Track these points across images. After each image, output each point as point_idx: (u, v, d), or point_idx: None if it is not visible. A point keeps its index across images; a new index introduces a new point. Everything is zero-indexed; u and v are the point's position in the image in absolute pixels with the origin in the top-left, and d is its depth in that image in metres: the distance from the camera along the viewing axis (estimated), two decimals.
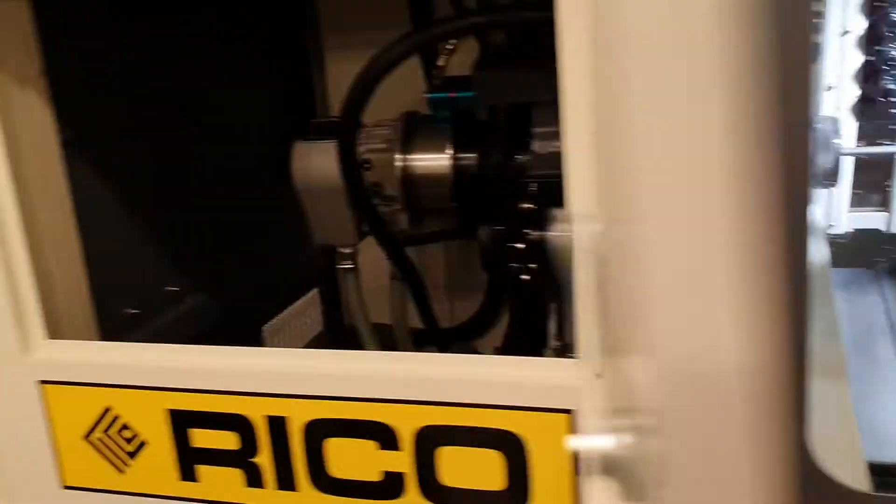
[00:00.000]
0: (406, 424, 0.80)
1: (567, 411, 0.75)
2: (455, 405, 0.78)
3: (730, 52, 0.40)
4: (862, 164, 1.85)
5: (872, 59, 1.77)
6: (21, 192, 0.91)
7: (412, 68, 1.27)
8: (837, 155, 1.48)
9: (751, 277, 0.41)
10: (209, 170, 1.34)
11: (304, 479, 0.84)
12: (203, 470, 0.87)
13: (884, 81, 1.77)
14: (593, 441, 0.63)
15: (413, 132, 1.25)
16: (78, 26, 1.07)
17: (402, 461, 0.81)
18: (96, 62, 1.10)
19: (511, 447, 0.77)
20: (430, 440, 0.80)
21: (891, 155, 1.81)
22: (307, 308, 1.63)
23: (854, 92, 1.79)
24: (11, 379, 0.91)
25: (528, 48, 1.22)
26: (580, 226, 0.72)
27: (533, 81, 1.15)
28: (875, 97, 1.78)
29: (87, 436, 0.90)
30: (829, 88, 1.79)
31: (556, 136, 1.17)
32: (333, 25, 1.63)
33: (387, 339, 1.47)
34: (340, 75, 1.65)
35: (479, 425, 0.78)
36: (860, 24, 1.76)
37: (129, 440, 0.89)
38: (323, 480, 0.84)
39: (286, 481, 0.85)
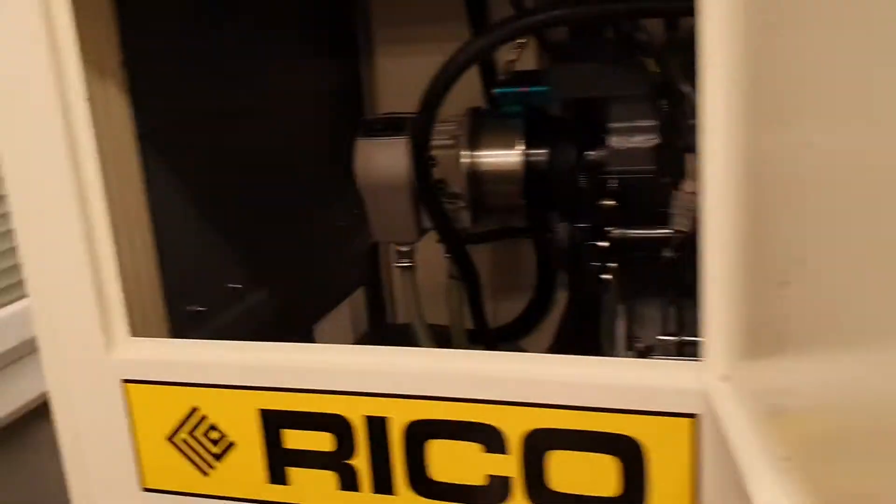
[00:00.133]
0: (514, 427, 0.77)
1: (691, 416, 0.72)
2: (568, 408, 0.75)
3: None
4: None
5: None
6: (104, 180, 0.88)
7: None
8: None
9: None
10: (268, 164, 1.31)
11: (403, 482, 0.81)
12: (294, 472, 0.85)
13: None
14: None
15: (479, 128, 1.22)
16: (153, 16, 1.04)
17: (509, 465, 0.78)
18: (167, 53, 1.07)
19: (627, 452, 0.75)
20: (539, 444, 0.77)
21: None
22: (354, 307, 1.61)
23: None
24: (94, 378, 0.88)
25: (599, 42, 1.20)
26: (715, 216, 0.69)
27: (611, 76, 1.13)
28: None
29: (172, 437, 0.88)
30: None
31: (635, 131, 1.16)
32: (384, 19, 1.60)
33: (441, 341, 1.45)
34: (390, 70, 1.63)
35: (593, 429, 0.75)
36: None
37: (216, 441, 0.86)
38: (423, 484, 0.81)
39: (383, 484, 0.82)
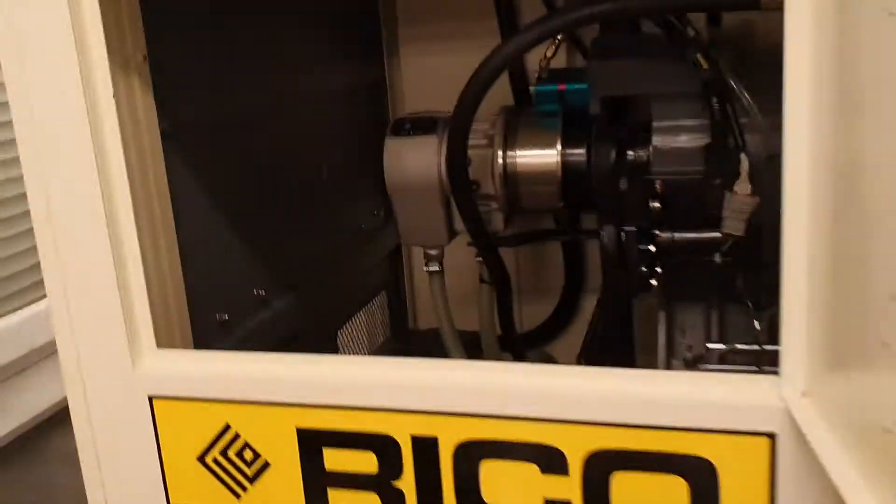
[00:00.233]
0: (575, 447, 0.72)
1: (769, 435, 0.67)
2: (634, 427, 0.70)
3: None
4: None
5: None
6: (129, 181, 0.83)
7: None
8: None
9: None
10: (291, 165, 1.26)
11: None
12: (334, 495, 0.79)
13: None
14: None
15: (515, 127, 1.17)
16: (178, 11, 0.99)
17: (568, 487, 0.73)
18: (191, 50, 1.02)
19: (699, 474, 0.69)
20: (602, 465, 0.72)
21: None
22: (377, 312, 1.55)
23: None
24: (119, 394, 0.82)
25: (640, 38, 1.15)
26: (798, 222, 0.64)
27: (654, 72, 1.08)
28: None
29: (202, 457, 0.82)
30: None
31: (680, 130, 1.11)
32: (409, 17, 1.55)
33: (468, 347, 1.40)
34: (415, 68, 1.57)
35: (661, 449, 0.70)
36: None
37: (250, 462, 0.81)
38: None
39: None
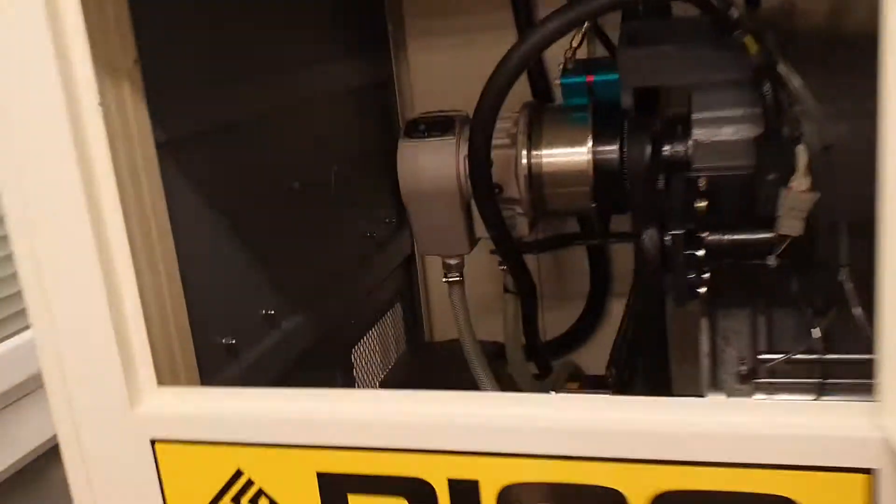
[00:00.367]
0: (640, 488, 0.63)
1: (865, 471, 0.58)
2: (707, 465, 0.61)
3: None
4: None
5: None
6: (120, 199, 0.74)
7: None
8: None
9: None
10: (298, 174, 1.17)
11: None
12: None
13: None
14: None
15: (540, 125, 1.08)
16: (171, 11, 0.90)
17: None
18: (187, 53, 0.93)
19: None
20: None
21: None
22: (392, 325, 1.46)
23: None
24: (117, 437, 0.73)
25: (675, 23, 1.06)
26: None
27: (691, 59, 0.99)
28: None
29: None
30: None
31: (723, 122, 1.02)
32: (416, 10, 1.46)
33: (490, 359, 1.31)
34: (424, 64, 1.48)
35: (740, 489, 0.61)
36: None
37: None
38: None
39: None
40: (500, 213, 1.06)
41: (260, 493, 0.71)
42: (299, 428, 0.70)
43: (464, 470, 0.66)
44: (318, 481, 0.70)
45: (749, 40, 0.88)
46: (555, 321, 1.56)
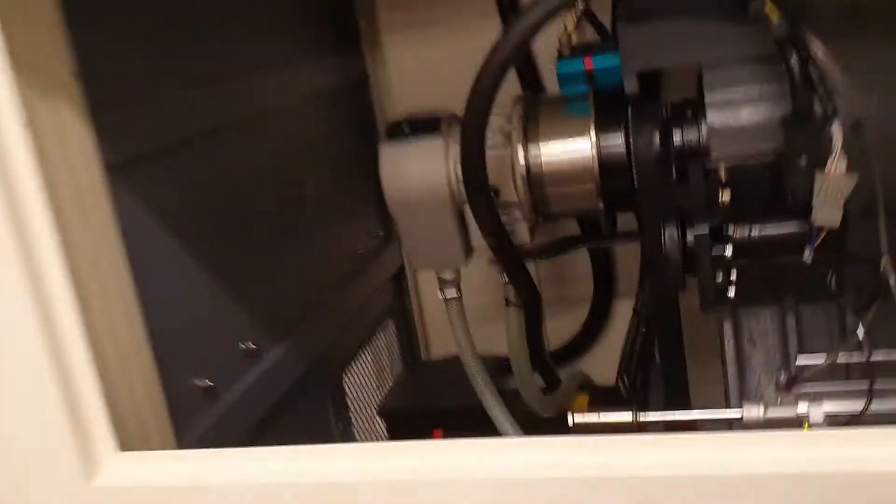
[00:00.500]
0: None
1: None
2: None
3: None
4: None
5: None
6: (61, 236, 0.63)
7: None
8: None
9: None
10: (270, 188, 1.06)
11: None
12: None
13: None
14: None
15: (535, 119, 0.97)
16: (116, 14, 0.79)
17: None
18: (139, 60, 0.83)
19: None
20: None
21: None
22: (385, 345, 1.36)
23: None
24: None
25: None
26: None
27: (701, 35, 0.89)
28: None
29: None
30: None
31: (739, 103, 0.92)
32: (390, 3, 1.35)
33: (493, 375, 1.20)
34: (400, 61, 1.38)
35: None
36: None
37: None
38: None
39: None
40: (500, 219, 0.95)
41: None
42: (294, 495, 0.59)
43: None
44: None
45: (770, 7, 0.78)
46: (557, 328, 1.46)
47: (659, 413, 0.86)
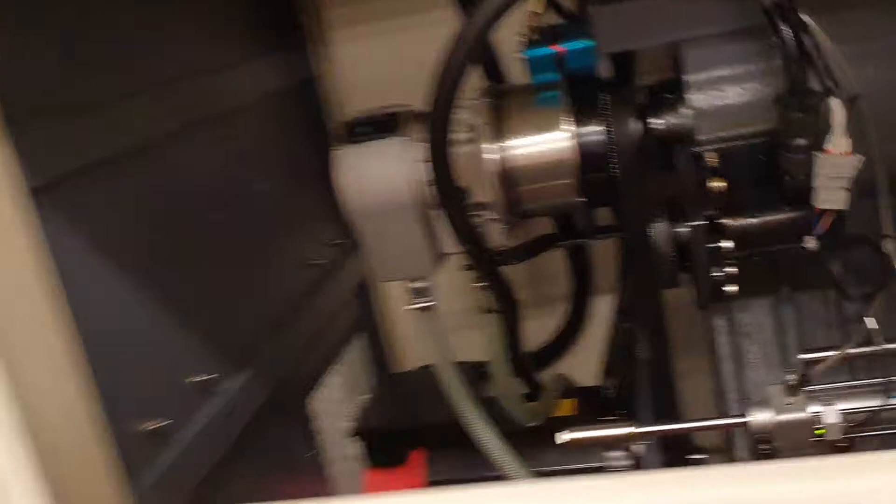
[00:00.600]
0: None
1: None
2: None
3: None
4: None
5: None
6: None
7: None
8: None
9: None
10: (216, 202, 0.97)
11: None
12: None
13: None
14: None
15: (506, 111, 0.90)
16: (31, 23, 0.70)
17: None
18: (59, 72, 0.74)
19: None
20: None
21: None
22: (355, 363, 1.27)
23: None
24: None
25: None
26: None
27: (677, 12, 0.82)
28: None
29: None
30: None
31: (723, 81, 0.85)
32: None
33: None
34: (349, 57, 1.29)
35: None
36: None
37: None
38: None
39: None
40: (473, 222, 0.88)
41: None
42: None
43: None
44: None
45: None
46: (534, 329, 1.38)
47: (659, 425, 0.79)
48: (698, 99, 0.82)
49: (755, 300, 0.96)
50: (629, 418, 1.12)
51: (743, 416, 0.77)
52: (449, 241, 0.93)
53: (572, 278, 1.32)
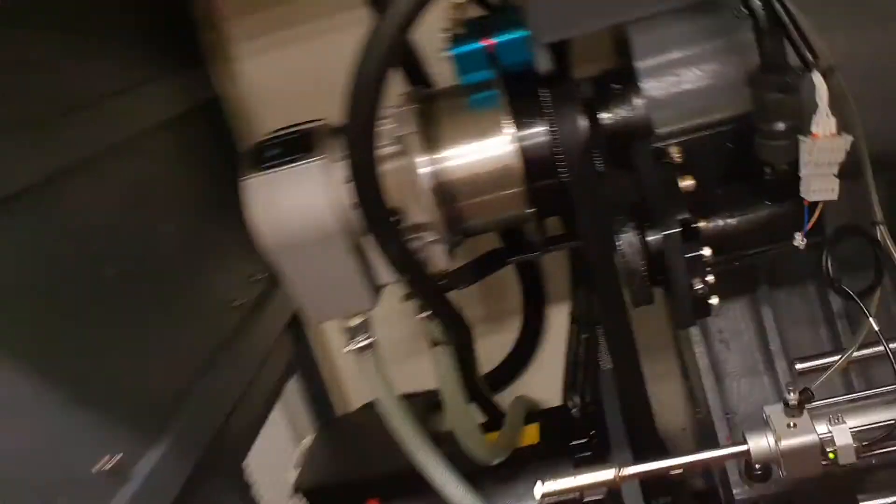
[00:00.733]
0: None
1: None
2: None
3: None
4: None
5: None
6: None
7: None
8: None
9: None
10: (113, 252, 0.84)
11: None
12: None
13: None
14: None
15: (436, 116, 0.78)
16: None
17: None
18: None
19: None
20: None
21: None
22: (291, 410, 1.14)
23: None
24: None
25: None
26: None
27: None
28: None
29: None
30: None
31: (678, 65, 0.75)
32: (234, 8, 1.13)
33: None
34: (255, 73, 1.16)
35: None
36: None
37: None
38: None
39: None
40: (410, 247, 0.76)
41: None
42: None
43: None
44: None
45: None
46: (487, 346, 1.27)
47: (645, 463, 0.68)
48: (652, 87, 0.72)
49: (730, 303, 0.87)
50: (600, 443, 1.03)
51: (743, 443, 0.67)
52: (385, 270, 0.81)
53: (523, 292, 1.22)
